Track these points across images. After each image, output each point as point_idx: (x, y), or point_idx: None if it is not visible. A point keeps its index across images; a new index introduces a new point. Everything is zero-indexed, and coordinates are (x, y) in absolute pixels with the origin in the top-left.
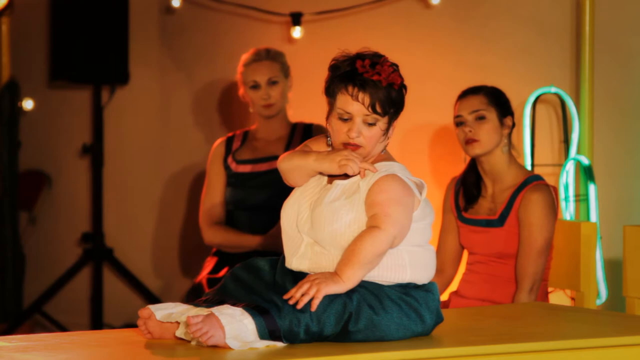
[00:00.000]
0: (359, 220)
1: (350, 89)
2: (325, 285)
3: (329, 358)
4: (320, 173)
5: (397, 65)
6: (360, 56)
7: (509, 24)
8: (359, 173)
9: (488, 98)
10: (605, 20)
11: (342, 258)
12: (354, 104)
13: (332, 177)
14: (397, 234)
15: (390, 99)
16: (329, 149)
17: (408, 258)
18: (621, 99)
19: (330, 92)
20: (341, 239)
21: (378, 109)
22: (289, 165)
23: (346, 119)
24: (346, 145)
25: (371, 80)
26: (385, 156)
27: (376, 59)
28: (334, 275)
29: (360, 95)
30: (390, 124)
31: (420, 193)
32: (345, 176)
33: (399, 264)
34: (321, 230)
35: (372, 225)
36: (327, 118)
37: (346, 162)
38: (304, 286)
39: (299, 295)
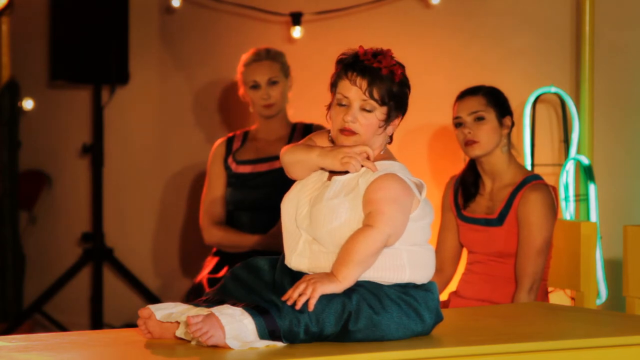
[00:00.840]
0: (357, 219)
1: (349, 74)
2: (321, 285)
3: (329, 358)
4: (323, 169)
5: (403, 66)
6: (364, 48)
7: (509, 23)
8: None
9: (486, 99)
10: (605, 20)
11: (338, 257)
12: (352, 88)
13: (333, 173)
14: (391, 232)
15: (389, 89)
16: (331, 143)
17: (407, 258)
18: (621, 99)
19: (333, 82)
20: (339, 238)
21: (375, 95)
22: (292, 158)
23: (344, 104)
24: (342, 132)
25: (371, 66)
26: (386, 155)
27: (380, 51)
28: (330, 275)
29: (359, 80)
30: (389, 117)
31: (420, 193)
32: (347, 173)
33: (398, 264)
34: (320, 228)
35: (366, 224)
36: (329, 110)
37: (349, 159)
38: (300, 286)
39: (296, 295)
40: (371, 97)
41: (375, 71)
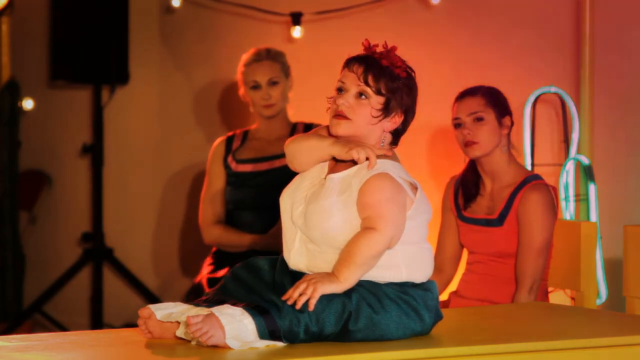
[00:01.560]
0: (350, 220)
1: (350, 63)
2: (322, 285)
3: (329, 358)
4: (333, 159)
5: (411, 69)
6: (369, 42)
7: (509, 24)
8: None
9: (486, 99)
10: (605, 19)
11: (339, 258)
12: (349, 74)
13: (336, 162)
14: (393, 234)
15: (386, 80)
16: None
17: (402, 257)
18: (621, 99)
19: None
20: (333, 239)
21: (370, 81)
22: (302, 145)
23: (341, 90)
24: (335, 117)
25: (372, 56)
26: (382, 154)
27: (385, 46)
28: (331, 275)
29: (356, 66)
30: (386, 110)
31: (414, 192)
32: (353, 163)
33: (394, 264)
34: (313, 228)
35: (368, 227)
36: (329, 102)
37: (355, 146)
38: (300, 286)
39: (296, 295)
40: (366, 83)
41: (374, 60)
